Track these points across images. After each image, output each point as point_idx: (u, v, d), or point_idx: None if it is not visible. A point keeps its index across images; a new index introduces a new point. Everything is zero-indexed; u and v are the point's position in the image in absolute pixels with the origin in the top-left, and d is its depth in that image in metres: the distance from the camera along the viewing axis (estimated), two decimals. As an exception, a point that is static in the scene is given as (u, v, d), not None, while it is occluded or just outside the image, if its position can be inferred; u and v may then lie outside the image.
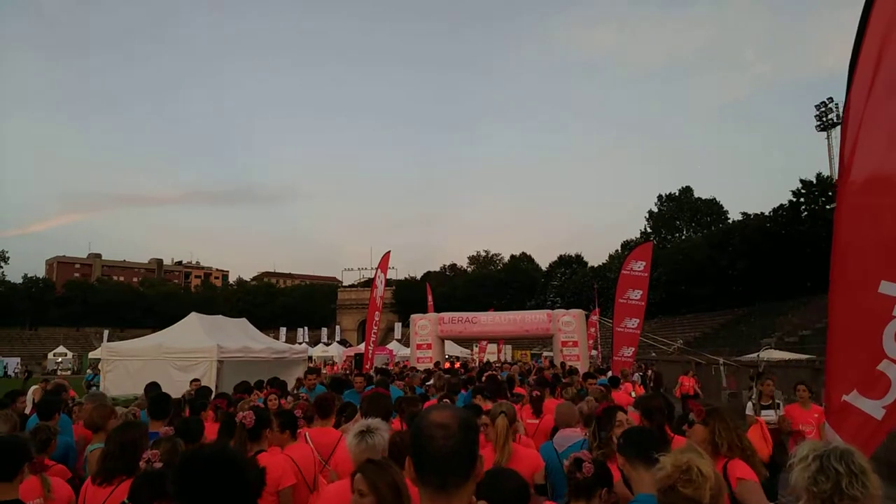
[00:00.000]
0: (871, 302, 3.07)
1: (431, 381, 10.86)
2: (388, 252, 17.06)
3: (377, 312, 15.41)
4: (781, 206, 49.98)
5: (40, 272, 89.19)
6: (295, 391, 8.51)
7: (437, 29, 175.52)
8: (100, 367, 14.06)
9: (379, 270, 16.96)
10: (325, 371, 23.81)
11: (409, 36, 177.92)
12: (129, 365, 12.58)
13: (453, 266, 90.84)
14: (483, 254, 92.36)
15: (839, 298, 3.26)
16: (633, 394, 9.93)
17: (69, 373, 44.74)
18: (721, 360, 22.02)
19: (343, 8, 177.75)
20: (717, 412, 3.18)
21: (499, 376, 9.52)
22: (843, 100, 3.30)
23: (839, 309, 3.27)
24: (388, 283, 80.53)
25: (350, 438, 3.04)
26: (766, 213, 51.43)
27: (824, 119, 57.40)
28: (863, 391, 3.11)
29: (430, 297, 31.37)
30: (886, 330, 3.00)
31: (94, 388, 12.62)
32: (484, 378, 7.61)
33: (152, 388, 6.76)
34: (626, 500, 2.79)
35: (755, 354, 26.30)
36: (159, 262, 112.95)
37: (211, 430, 4.83)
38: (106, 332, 54.42)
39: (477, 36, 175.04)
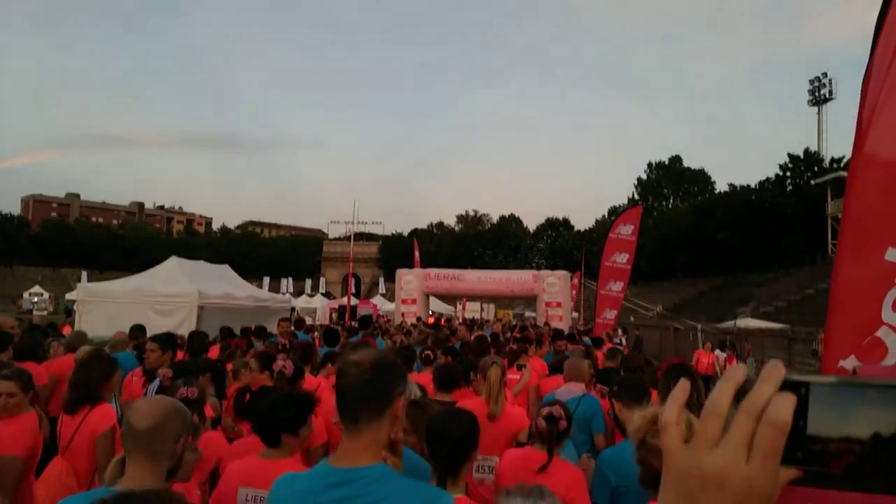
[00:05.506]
0: (876, 268, 3.06)
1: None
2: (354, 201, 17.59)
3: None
4: (768, 179, 50.27)
5: (15, 210, 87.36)
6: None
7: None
8: (76, 307, 13.82)
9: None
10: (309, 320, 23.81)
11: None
12: (107, 307, 12.29)
13: (441, 224, 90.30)
14: (472, 213, 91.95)
15: (844, 264, 3.23)
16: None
17: (45, 314, 44.26)
18: (699, 326, 22.40)
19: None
20: None
21: (483, 334, 9.63)
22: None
23: (843, 274, 3.24)
24: (375, 237, 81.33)
25: None
26: (753, 186, 51.74)
27: (817, 94, 57.03)
28: (860, 357, 3.11)
29: (416, 253, 31.16)
30: (887, 297, 2.98)
31: None
32: (472, 338, 7.58)
33: (137, 330, 6.74)
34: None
35: (731, 322, 26.88)
36: (140, 205, 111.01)
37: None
38: (85, 274, 53.62)
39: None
